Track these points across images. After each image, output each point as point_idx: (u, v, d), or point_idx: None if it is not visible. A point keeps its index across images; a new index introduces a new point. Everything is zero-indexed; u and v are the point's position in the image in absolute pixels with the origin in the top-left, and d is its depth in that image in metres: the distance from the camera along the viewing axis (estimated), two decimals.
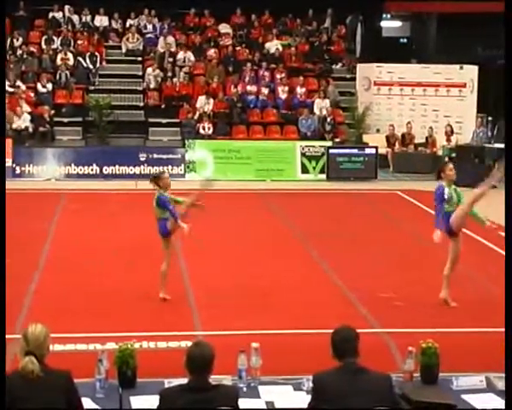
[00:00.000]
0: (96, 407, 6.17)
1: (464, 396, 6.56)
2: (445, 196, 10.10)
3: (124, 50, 26.92)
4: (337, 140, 23.57)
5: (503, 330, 9.37)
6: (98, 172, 21.06)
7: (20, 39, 25.92)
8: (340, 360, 5.41)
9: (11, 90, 23.55)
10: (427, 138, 23.43)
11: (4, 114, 21.06)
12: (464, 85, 24.58)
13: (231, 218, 16.10)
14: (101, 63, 26.05)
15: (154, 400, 5.55)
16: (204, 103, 24.01)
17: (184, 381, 5.28)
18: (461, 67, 24.73)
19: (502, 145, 22.29)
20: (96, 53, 25.95)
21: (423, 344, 7.06)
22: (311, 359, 7.69)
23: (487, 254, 13.53)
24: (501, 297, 10.66)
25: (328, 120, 24.02)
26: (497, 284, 11.33)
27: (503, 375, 6.88)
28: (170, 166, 21.25)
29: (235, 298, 10.65)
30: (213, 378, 5.32)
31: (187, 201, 10.49)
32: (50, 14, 27.35)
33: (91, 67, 25.68)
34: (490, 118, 25.36)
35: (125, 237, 14.14)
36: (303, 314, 10.00)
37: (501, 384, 6.70)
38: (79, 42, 26.44)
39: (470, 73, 24.46)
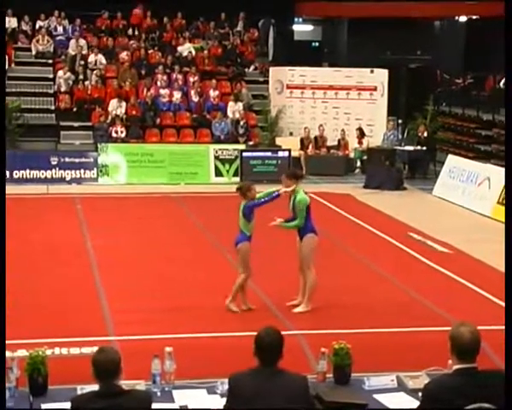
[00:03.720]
0: None
1: (376, 396, 6.67)
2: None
3: (34, 52, 26.49)
4: (250, 143, 23.66)
5: (413, 329, 9.60)
6: (8, 176, 20.64)
7: None
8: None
9: None
10: (339, 141, 23.72)
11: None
12: (375, 89, 24.93)
13: (145, 221, 16.01)
14: (9, 65, 25.58)
15: (65, 407, 5.49)
16: (116, 107, 23.80)
17: (97, 387, 5.23)
18: (371, 71, 25.07)
19: (411, 148, 22.77)
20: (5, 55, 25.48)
21: (336, 345, 7.15)
22: (225, 362, 7.71)
23: (400, 257, 13.76)
24: (409, 298, 10.90)
25: (242, 123, 24.09)
26: (409, 286, 11.57)
27: (413, 374, 7.03)
28: (82, 170, 21.00)
29: (148, 302, 10.60)
30: (127, 384, 5.29)
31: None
32: None
33: None
34: (400, 121, 25.83)
35: (34, 243, 13.93)
36: (216, 318, 10.00)
37: (411, 383, 6.84)
38: None
39: (381, 76, 24.81)
